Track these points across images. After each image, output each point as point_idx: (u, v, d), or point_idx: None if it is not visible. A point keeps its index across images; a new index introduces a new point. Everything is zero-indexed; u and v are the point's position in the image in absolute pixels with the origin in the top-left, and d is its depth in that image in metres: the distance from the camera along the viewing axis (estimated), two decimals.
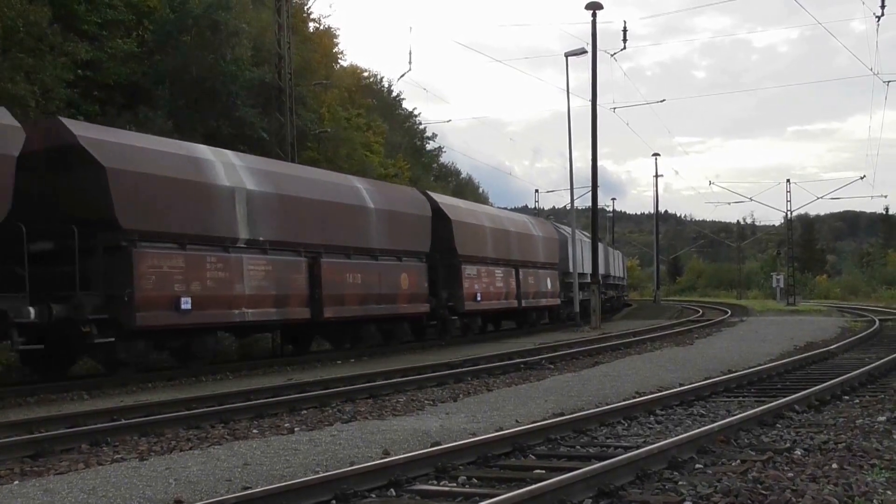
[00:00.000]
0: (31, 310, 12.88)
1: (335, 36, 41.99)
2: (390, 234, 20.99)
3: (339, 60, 42.94)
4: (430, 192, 25.23)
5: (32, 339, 13.13)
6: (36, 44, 20.22)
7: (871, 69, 71.45)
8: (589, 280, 32.37)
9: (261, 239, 16.94)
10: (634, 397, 11.06)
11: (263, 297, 16.81)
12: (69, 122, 14.65)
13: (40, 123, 14.62)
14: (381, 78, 53.85)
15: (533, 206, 66.26)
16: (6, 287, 12.64)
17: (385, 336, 21.77)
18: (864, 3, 45.89)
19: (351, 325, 20.23)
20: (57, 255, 13.78)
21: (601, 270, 43.60)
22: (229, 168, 16.76)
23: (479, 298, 24.84)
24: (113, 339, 14.15)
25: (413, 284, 21.87)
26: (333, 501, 5.99)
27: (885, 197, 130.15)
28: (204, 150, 17.01)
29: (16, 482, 7.20)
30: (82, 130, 14.43)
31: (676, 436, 7.78)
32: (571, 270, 34.36)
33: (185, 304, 14.96)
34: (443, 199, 25.28)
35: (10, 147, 12.50)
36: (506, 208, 47.02)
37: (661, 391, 11.42)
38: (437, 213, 23.38)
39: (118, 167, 14.20)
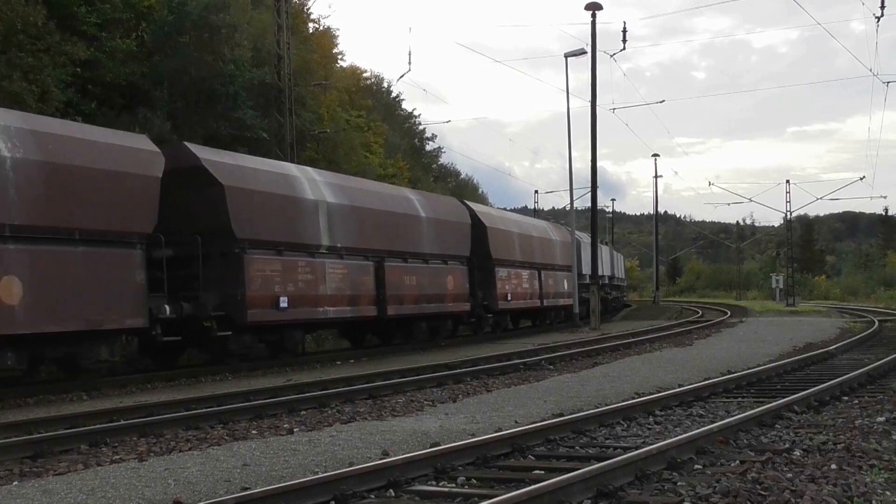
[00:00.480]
0: (167, 307, 15.22)
1: (335, 36, 42.05)
2: (438, 240, 23.22)
3: (339, 61, 42.99)
4: (467, 202, 27.83)
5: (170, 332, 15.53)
6: (33, 43, 20.22)
7: (871, 70, 71.44)
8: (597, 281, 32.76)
9: (338, 246, 19.21)
10: (634, 398, 11.06)
11: (340, 296, 19.13)
12: (193, 147, 17.00)
13: (167, 148, 16.63)
14: (381, 78, 53.87)
15: (532, 207, 66.29)
16: (151, 288, 14.88)
17: (431, 332, 23.79)
18: (863, 4, 45.97)
19: (405, 321, 22.34)
20: (183, 260, 15.86)
21: (607, 272, 44.23)
22: (312, 183, 19.08)
23: (509, 298, 27.22)
24: (230, 333, 16.43)
25: (457, 286, 24.21)
26: (332, 502, 5.99)
27: (885, 198, 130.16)
28: (292, 168, 19.85)
29: (15, 483, 7.20)
30: (204, 153, 16.91)
31: (675, 436, 7.78)
32: (572, 271, 34.42)
33: (283, 302, 17.23)
34: (478, 208, 27.74)
35: (156, 170, 15.01)
36: (505, 209, 47.08)
37: (660, 392, 11.43)
38: (475, 220, 25.72)
39: (233, 185, 16.56)
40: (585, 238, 37.76)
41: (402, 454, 7.25)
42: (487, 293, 26.23)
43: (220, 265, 16.28)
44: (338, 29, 73.00)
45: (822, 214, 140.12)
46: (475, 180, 75.95)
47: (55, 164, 13.31)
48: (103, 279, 13.94)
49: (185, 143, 17.59)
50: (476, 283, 25.49)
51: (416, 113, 58.89)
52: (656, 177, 77.89)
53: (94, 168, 13.93)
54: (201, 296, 15.98)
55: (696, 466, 6.97)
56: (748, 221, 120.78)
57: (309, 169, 20.60)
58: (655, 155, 73.11)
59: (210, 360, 17.28)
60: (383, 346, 22.46)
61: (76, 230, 13.59)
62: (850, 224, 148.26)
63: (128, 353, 17.55)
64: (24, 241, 12.82)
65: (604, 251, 46.46)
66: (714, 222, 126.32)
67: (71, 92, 21.80)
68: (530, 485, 5.87)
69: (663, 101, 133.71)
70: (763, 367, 14.26)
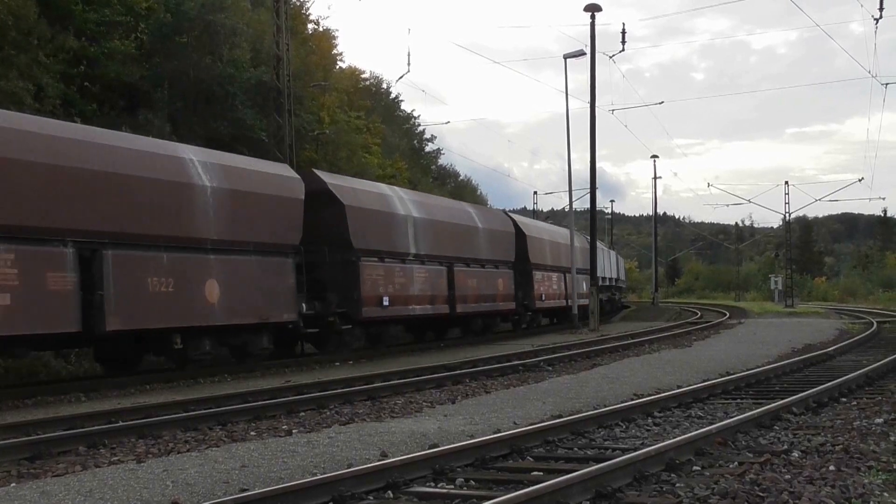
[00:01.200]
0: (304, 305, 18.65)
1: (334, 37, 42.01)
2: (491, 248, 27.15)
3: (338, 62, 42.96)
4: (509, 213, 32.08)
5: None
6: (25, 38, 20.19)
7: (870, 71, 71.64)
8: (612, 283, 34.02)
9: (422, 253, 22.94)
10: (632, 399, 11.06)
11: (423, 296, 22.93)
12: (321, 174, 20.89)
13: (301, 174, 19.84)
14: (380, 79, 53.84)
15: (531, 208, 66.30)
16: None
17: (484, 327, 28.11)
18: (862, 6, 45.99)
19: (468, 318, 26.53)
20: (313, 266, 19.23)
21: (608, 274, 45.57)
22: (402, 201, 23.02)
23: (543, 298, 31.14)
24: (350, 326, 20.14)
25: (505, 287, 28.04)
26: (331, 503, 5.99)
27: (884, 199, 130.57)
28: (386, 188, 23.88)
29: (13, 484, 7.20)
30: (330, 179, 20.77)
31: (674, 438, 7.78)
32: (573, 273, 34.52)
33: (386, 301, 21.05)
34: (519, 219, 31.46)
35: (300, 193, 18.72)
36: (504, 210, 47.15)
37: (658, 393, 11.43)
38: (517, 229, 29.54)
39: (351, 204, 20.27)
40: (585, 240, 37.93)
41: (401, 455, 7.25)
42: (527, 294, 29.99)
43: (341, 271, 19.89)
44: (337, 30, 72.94)
45: (820, 216, 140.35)
46: (474, 181, 75.91)
47: (238, 191, 16.95)
48: (268, 282, 17.52)
49: (314, 170, 21.55)
50: (517, 285, 28.89)
51: (415, 114, 58.94)
52: (655, 178, 77.95)
53: (262, 193, 17.51)
54: (328, 296, 19.59)
55: (695, 468, 6.97)
56: (747, 223, 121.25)
57: (397, 188, 25.15)
58: (654, 156, 73.13)
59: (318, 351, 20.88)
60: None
61: (251, 243, 17.14)
62: (849, 225, 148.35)
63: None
64: (219, 252, 16.34)
65: (607, 254, 47.39)
66: (713, 223, 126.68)
67: (72, 90, 21.80)
68: (529, 486, 5.87)
69: (662, 102, 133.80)
70: (762, 369, 14.26)
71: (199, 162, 16.32)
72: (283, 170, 19.28)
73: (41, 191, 13.14)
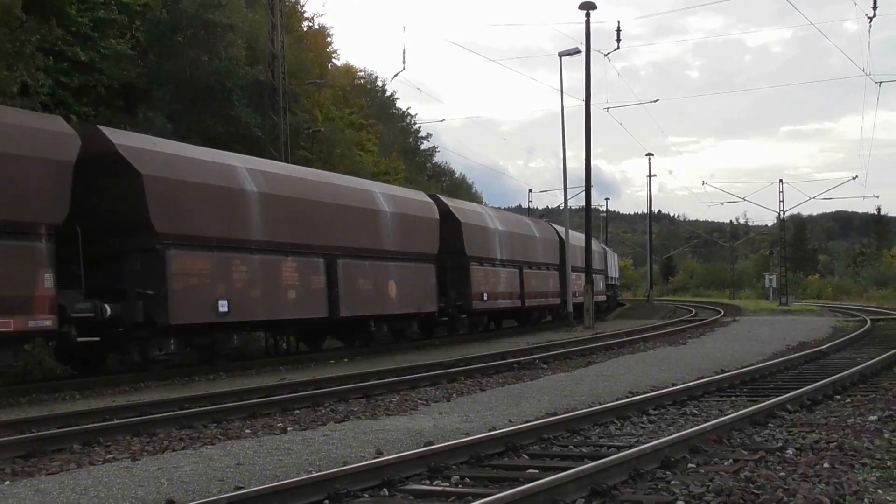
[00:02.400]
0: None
1: (329, 35, 41.96)
2: (544, 253, 33.00)
3: (333, 60, 42.90)
4: (553, 224, 37.15)
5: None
6: (11, 33, 20.12)
7: (864, 70, 71.73)
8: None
9: (505, 258, 28.72)
10: (627, 397, 11.08)
11: (506, 293, 28.68)
12: (445, 199, 26.87)
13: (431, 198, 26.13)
14: (375, 77, 53.80)
15: (526, 206, 66.31)
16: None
17: (538, 318, 33.90)
18: (856, 4, 46.15)
19: (535, 310, 32.39)
20: (439, 270, 24.45)
21: (609, 273, 47.63)
22: (491, 217, 29.38)
23: (577, 295, 34.94)
24: (464, 316, 26.29)
25: (553, 285, 33.77)
26: (326, 501, 5.99)
27: (877, 197, 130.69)
28: (480, 207, 30.97)
29: (7, 482, 7.18)
30: (451, 203, 26.87)
31: (669, 435, 7.79)
32: (568, 270, 34.65)
33: (485, 297, 26.79)
34: (559, 228, 35.91)
35: (436, 214, 24.60)
36: (499, 208, 47.21)
37: (654, 391, 11.44)
38: (559, 237, 35.06)
39: (466, 221, 26.36)
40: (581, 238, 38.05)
41: (396, 453, 7.25)
42: (564, 291, 34.91)
43: (458, 274, 25.52)
44: (332, 27, 72.95)
45: (815, 214, 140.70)
46: (469, 179, 75.98)
47: (404, 214, 22.52)
48: (421, 282, 23.13)
49: (439, 196, 27.24)
50: (562, 284, 34.41)
51: (410, 112, 58.91)
52: (650, 176, 78.27)
53: (416, 215, 23.27)
54: (449, 293, 25.09)
55: (690, 465, 6.98)
56: (742, 221, 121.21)
57: (486, 207, 33.32)
58: (649, 154, 73.32)
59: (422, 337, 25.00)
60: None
61: (411, 253, 22.67)
62: (843, 223, 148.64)
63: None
64: (395, 260, 21.90)
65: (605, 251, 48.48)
66: (708, 221, 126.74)
67: (66, 94, 21.76)
68: (524, 484, 5.87)
69: (657, 100, 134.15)
70: (756, 366, 14.28)
71: (381, 193, 22.59)
72: (423, 196, 25.38)
73: (308, 220, 18.79)
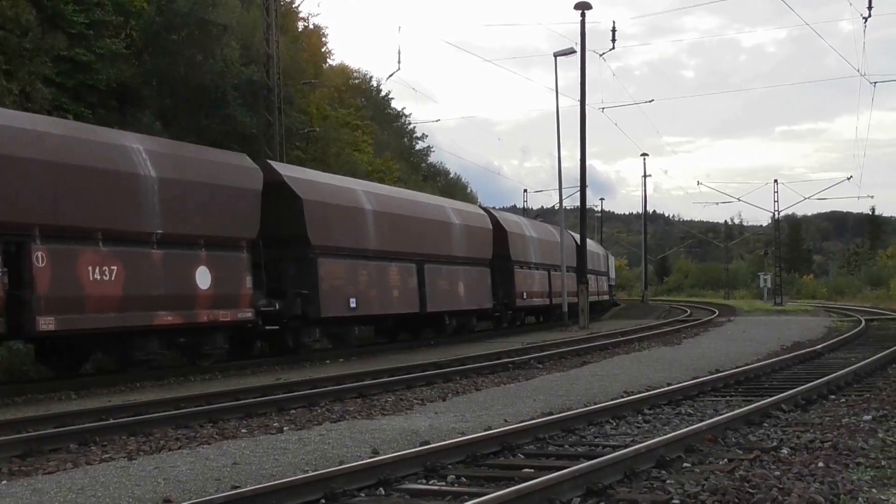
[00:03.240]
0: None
1: (324, 35, 41.98)
2: (568, 257, 35.22)
3: (328, 60, 42.92)
4: (569, 231, 38.60)
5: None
6: (18, 40, 20.13)
7: (859, 70, 71.81)
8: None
9: (538, 262, 32.80)
10: (623, 397, 11.10)
11: (539, 291, 32.85)
12: (498, 214, 31.68)
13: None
14: (370, 77, 53.80)
15: (521, 206, 66.30)
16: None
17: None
18: (851, 4, 46.17)
19: (554, 307, 34.76)
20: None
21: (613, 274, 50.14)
22: (528, 227, 33.88)
23: (599, 294, 42.16)
24: (510, 312, 30.51)
25: (572, 285, 35.27)
26: (323, 501, 6.00)
27: (872, 198, 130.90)
28: (518, 218, 35.94)
29: (4, 482, 7.18)
30: (498, 216, 30.77)
31: (664, 435, 7.82)
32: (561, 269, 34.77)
33: (525, 295, 30.94)
34: (575, 234, 38.23)
35: (490, 224, 28.70)
36: (494, 208, 47.28)
37: (649, 390, 11.47)
38: (577, 242, 37.33)
39: (511, 231, 30.03)
40: (576, 238, 38.13)
41: (392, 453, 7.27)
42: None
43: (503, 275, 29.21)
44: (327, 27, 72.88)
45: (809, 214, 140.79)
46: (464, 179, 75.89)
47: (468, 225, 26.77)
48: (479, 283, 27.13)
49: (489, 209, 31.82)
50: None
51: (405, 112, 58.92)
52: (645, 176, 78.07)
53: (475, 226, 27.35)
54: (498, 292, 28.81)
55: (685, 465, 7.01)
56: (736, 221, 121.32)
57: (521, 217, 38.68)
58: (644, 154, 73.27)
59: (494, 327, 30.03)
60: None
61: (472, 258, 26.66)
62: (838, 224, 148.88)
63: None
64: (462, 264, 25.97)
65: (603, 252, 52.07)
66: (702, 221, 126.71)
67: (60, 95, 21.75)
68: (519, 483, 5.89)
69: (652, 100, 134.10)
70: (751, 366, 14.32)
71: (451, 208, 26.71)
72: (479, 210, 30.50)
73: (405, 231, 22.70)
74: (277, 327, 18.42)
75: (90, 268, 14.09)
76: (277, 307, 18.36)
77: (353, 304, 20.17)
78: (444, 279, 24.74)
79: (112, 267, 14.47)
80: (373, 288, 21.05)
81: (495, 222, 29.13)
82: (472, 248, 26.70)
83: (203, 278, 16.55)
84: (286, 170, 19.83)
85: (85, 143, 14.52)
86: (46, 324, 13.29)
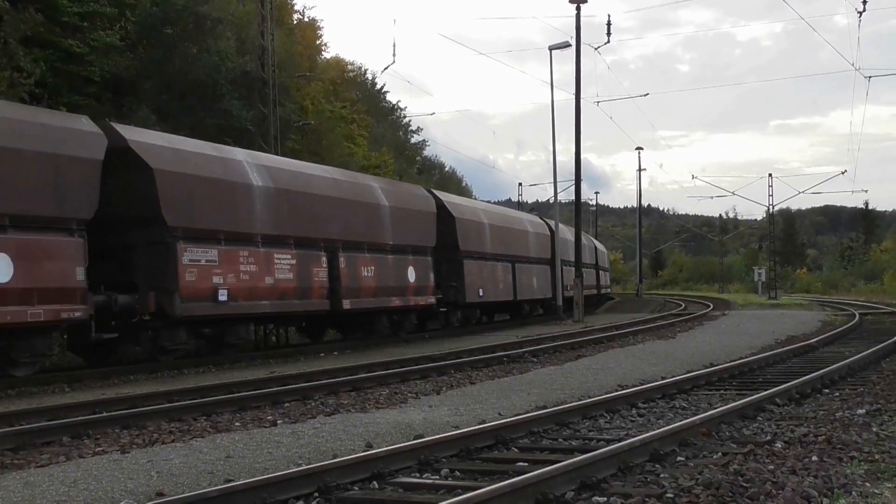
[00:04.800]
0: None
1: (319, 28, 41.88)
2: (589, 254, 42.12)
3: (323, 52, 42.83)
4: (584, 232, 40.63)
5: None
6: None
7: (853, 64, 71.90)
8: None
9: (571, 261, 36.40)
10: (617, 390, 11.09)
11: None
12: (549, 221, 37.26)
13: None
14: (365, 70, 53.70)
15: (516, 200, 66.34)
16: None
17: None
18: None
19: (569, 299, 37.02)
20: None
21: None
22: (567, 231, 38.15)
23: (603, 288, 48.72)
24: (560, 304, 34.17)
25: (599, 279, 44.21)
26: (316, 494, 5.98)
27: (866, 192, 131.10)
28: (568, 230, 39.04)
29: None
30: (550, 222, 36.66)
31: (658, 429, 7.81)
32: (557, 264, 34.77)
33: (568, 288, 35.08)
34: (590, 237, 45.48)
35: (547, 230, 35.80)
36: (489, 202, 47.26)
37: (643, 384, 11.47)
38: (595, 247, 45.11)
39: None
40: (570, 233, 38.17)
41: (386, 446, 7.25)
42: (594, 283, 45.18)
43: (544, 273, 33.89)
44: (322, 20, 72.64)
45: (804, 208, 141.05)
46: (459, 173, 75.90)
47: (536, 232, 33.74)
48: (543, 276, 33.56)
49: (544, 218, 37.57)
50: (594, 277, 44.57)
51: (400, 105, 58.82)
52: (640, 170, 78.31)
53: (537, 232, 33.50)
54: (557, 286, 34.17)
55: (679, 458, 7.01)
56: (731, 215, 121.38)
57: (547, 220, 39.34)
58: (639, 148, 73.39)
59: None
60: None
61: (536, 258, 33.12)
62: (832, 218, 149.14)
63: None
64: (532, 262, 32.36)
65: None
66: (697, 215, 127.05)
67: (56, 82, 21.67)
68: (513, 477, 5.88)
69: (647, 94, 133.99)
70: (745, 360, 14.32)
71: (529, 220, 34.67)
72: (537, 218, 38.12)
73: (503, 238, 29.81)
74: (444, 309, 25.20)
75: (362, 268, 21.19)
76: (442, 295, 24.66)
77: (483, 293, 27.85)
78: (526, 274, 29.92)
79: (370, 267, 21.57)
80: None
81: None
82: (535, 249, 31.52)
83: (411, 275, 23.13)
84: (442, 197, 26.91)
85: (357, 185, 22.23)
86: (347, 304, 20.18)
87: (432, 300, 24.08)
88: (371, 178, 24.96)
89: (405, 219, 23.04)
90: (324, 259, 19.53)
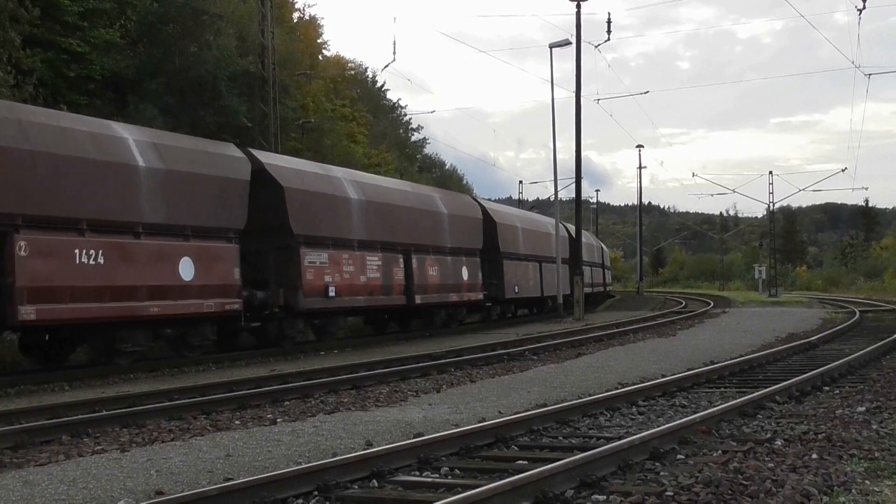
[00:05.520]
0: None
1: (319, 26, 41.82)
2: (595, 253, 44.08)
3: (324, 51, 42.77)
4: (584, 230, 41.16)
5: None
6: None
7: (853, 62, 71.85)
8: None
9: (589, 261, 40.37)
10: (617, 388, 11.09)
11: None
12: (568, 225, 39.40)
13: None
14: (366, 68, 53.68)
15: (517, 198, 66.30)
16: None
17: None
18: None
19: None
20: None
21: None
22: (590, 236, 44.39)
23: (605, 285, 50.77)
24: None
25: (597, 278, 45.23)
26: (316, 492, 5.98)
27: (866, 189, 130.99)
28: (590, 236, 46.39)
29: None
30: (570, 227, 38.15)
31: (658, 427, 7.80)
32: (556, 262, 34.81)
33: (593, 283, 43.80)
34: (590, 234, 47.40)
35: (566, 232, 38.81)
36: (490, 199, 47.27)
37: (643, 382, 11.46)
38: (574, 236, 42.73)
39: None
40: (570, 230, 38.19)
41: (386, 444, 7.25)
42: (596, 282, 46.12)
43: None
44: (322, 18, 72.67)
45: (804, 205, 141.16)
46: (460, 171, 75.93)
47: (535, 231, 33.79)
48: (551, 276, 34.00)
49: (566, 224, 37.66)
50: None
51: (401, 103, 58.79)
52: (640, 168, 78.16)
53: (547, 232, 34.38)
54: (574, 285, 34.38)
55: (679, 456, 7.00)
56: (731, 212, 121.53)
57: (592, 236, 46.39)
58: (640, 146, 73.32)
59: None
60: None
61: (538, 256, 33.29)
62: (832, 215, 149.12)
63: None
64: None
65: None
66: (698, 213, 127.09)
67: (61, 81, 21.66)
68: (513, 475, 5.87)
69: (647, 91, 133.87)
70: (746, 358, 14.32)
71: (550, 223, 35.17)
72: (550, 219, 36.76)
73: (532, 240, 32.30)
74: (489, 304, 28.49)
75: (429, 268, 24.10)
76: (489, 292, 27.89)
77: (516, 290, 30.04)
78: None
79: (435, 267, 24.28)
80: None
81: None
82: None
83: (464, 273, 26.08)
84: (491, 209, 29.91)
85: (421, 196, 25.26)
86: (418, 299, 23.40)
87: (480, 296, 27.42)
88: (431, 189, 28.64)
89: (459, 224, 26.30)
90: (401, 260, 22.83)
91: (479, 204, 29.54)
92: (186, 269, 15.91)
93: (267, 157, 19.40)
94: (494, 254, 28.73)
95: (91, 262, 14.12)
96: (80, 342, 15.85)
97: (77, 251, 13.91)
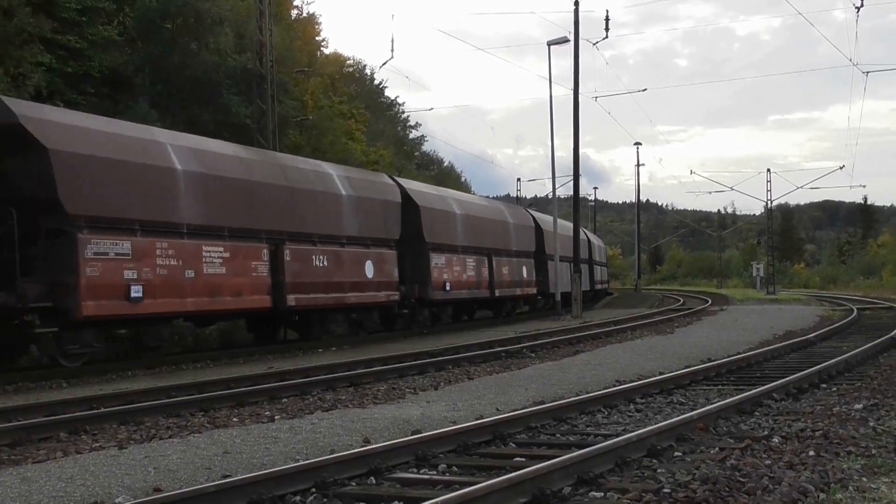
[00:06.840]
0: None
1: (317, 23, 41.77)
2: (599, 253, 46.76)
3: (322, 48, 42.73)
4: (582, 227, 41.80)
5: None
6: (4, 25, 19.97)
7: (851, 59, 71.91)
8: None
9: (599, 261, 44.48)
10: (614, 385, 11.11)
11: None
12: (580, 228, 38.43)
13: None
14: (364, 66, 53.62)
15: (515, 195, 66.30)
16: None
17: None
18: None
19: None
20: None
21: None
22: (596, 238, 49.94)
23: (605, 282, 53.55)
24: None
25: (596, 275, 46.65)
26: (314, 489, 5.98)
27: (864, 187, 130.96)
28: (589, 235, 46.79)
29: None
30: (589, 233, 46.15)
31: (656, 424, 7.81)
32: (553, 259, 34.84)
33: (599, 280, 47.86)
34: (592, 236, 48.29)
35: (589, 237, 45.13)
36: (488, 197, 47.27)
37: (641, 379, 11.47)
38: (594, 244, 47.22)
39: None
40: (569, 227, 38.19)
41: (384, 441, 7.26)
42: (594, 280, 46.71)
43: (569, 272, 34.75)
44: (320, 15, 72.62)
45: (802, 203, 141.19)
46: (458, 168, 75.90)
47: (565, 235, 34.56)
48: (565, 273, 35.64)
49: (577, 225, 36.16)
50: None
51: (399, 100, 58.78)
52: (638, 165, 78.16)
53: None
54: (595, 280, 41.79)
55: (676, 453, 7.01)
56: (729, 210, 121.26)
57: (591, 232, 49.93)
58: (637, 143, 73.34)
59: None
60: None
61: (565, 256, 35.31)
62: (830, 213, 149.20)
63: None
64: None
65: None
66: (696, 210, 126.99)
67: (59, 82, 21.64)
68: (511, 472, 5.88)
69: (646, 89, 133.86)
70: (743, 355, 14.33)
71: (589, 236, 39.77)
72: (571, 226, 36.01)
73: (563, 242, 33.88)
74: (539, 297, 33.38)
75: (503, 267, 28.96)
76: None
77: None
78: (507, 266, 29.92)
79: (506, 267, 28.65)
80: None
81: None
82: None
83: (524, 272, 31.63)
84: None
85: (517, 211, 32.14)
86: (497, 293, 28.89)
87: (534, 290, 32.45)
88: (499, 203, 36.25)
89: (519, 232, 31.64)
90: (486, 261, 28.06)
91: (531, 214, 35.54)
92: (369, 270, 21.24)
93: (406, 184, 24.96)
94: (541, 255, 34.12)
95: (320, 264, 19.53)
96: (308, 322, 20.22)
97: (314, 257, 19.36)
